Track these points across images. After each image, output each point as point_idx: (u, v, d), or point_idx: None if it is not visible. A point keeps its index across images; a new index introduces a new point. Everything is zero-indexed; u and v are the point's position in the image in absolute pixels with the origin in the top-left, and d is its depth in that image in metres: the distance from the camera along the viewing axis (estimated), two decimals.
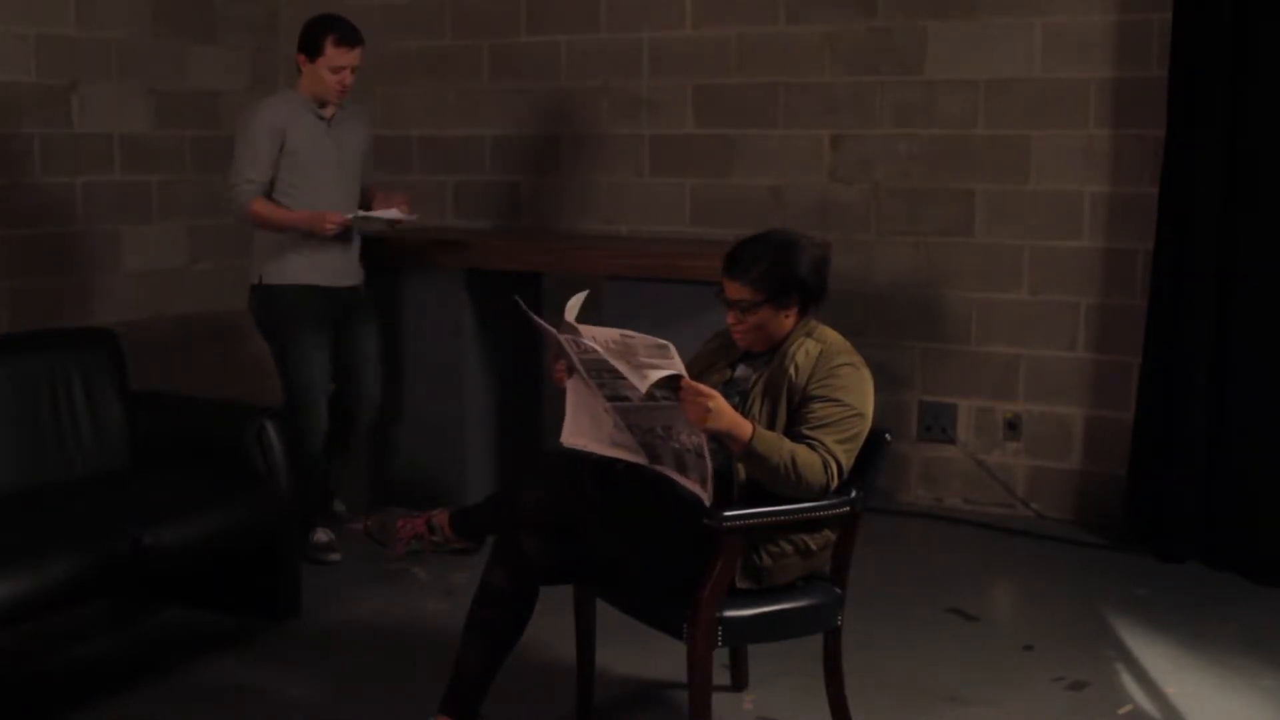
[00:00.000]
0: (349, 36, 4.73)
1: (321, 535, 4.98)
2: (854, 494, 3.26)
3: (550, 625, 3.68)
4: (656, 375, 2.97)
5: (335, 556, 4.91)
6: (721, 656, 3.68)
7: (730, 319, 3.37)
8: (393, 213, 4.83)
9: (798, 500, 3.18)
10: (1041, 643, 4.25)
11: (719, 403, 3.04)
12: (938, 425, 5.71)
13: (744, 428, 3.09)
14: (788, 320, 3.36)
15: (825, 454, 3.17)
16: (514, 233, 6.24)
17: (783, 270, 3.32)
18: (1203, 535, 5.04)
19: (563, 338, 3.12)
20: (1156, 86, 5.10)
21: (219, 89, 6.59)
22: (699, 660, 3.17)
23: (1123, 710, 3.77)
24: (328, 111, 4.82)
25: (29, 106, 5.71)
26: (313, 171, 4.77)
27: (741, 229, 3.85)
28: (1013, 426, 5.62)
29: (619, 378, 3.04)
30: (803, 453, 3.15)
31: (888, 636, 4.26)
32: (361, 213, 4.81)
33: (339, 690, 3.93)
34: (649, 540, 3.27)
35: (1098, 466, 5.48)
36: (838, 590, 3.38)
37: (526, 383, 5.57)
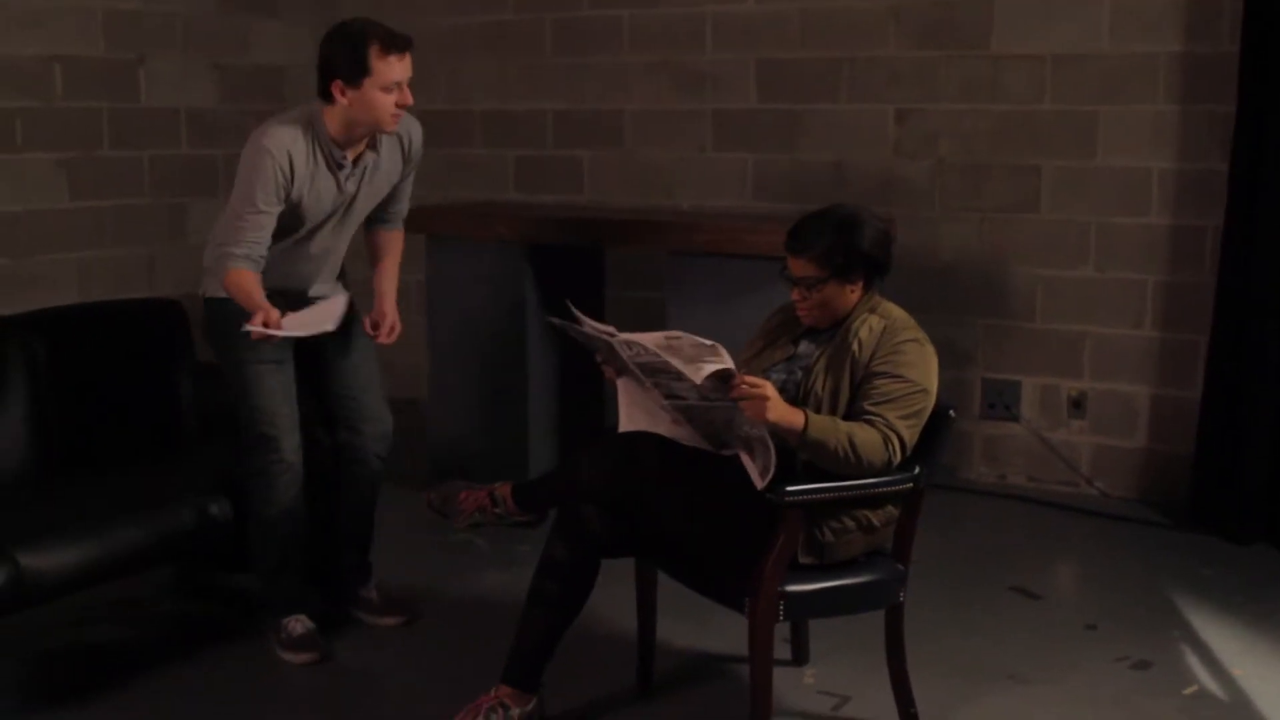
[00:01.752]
0: (396, 42, 3.64)
1: (296, 625, 3.94)
2: (917, 470, 3.25)
3: (611, 597, 3.69)
4: (710, 368, 2.97)
5: (301, 658, 3.88)
6: (782, 631, 3.68)
7: (795, 296, 3.36)
8: (326, 310, 3.84)
9: (861, 477, 3.17)
10: (1105, 622, 4.22)
11: (772, 391, 3.04)
12: (1001, 402, 5.67)
13: (796, 418, 3.09)
14: (852, 296, 3.34)
15: (886, 430, 3.16)
16: (576, 207, 6.24)
17: (847, 246, 3.30)
18: (1270, 516, 4.97)
19: (614, 341, 3.12)
20: (1228, 61, 5.02)
21: (282, 64, 6.63)
22: (760, 635, 3.17)
23: (1187, 691, 3.74)
24: (350, 154, 3.76)
25: (97, 80, 5.77)
26: (307, 217, 3.80)
27: (804, 204, 3.84)
28: (1077, 404, 5.57)
29: (674, 379, 3.03)
30: (860, 432, 3.13)
31: (949, 614, 4.25)
32: (287, 333, 3.65)
33: (402, 660, 3.96)
34: (711, 514, 3.27)
35: (1164, 445, 5.43)
36: (900, 566, 3.37)
37: (588, 356, 5.56)
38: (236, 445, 3.92)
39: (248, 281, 3.63)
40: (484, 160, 6.58)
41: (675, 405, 3.18)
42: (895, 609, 3.41)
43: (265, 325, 3.52)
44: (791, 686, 3.71)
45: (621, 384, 3.36)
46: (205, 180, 6.28)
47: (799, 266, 3.33)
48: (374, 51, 3.59)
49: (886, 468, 3.18)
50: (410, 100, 3.69)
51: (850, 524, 3.24)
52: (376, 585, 4.22)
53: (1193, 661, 3.93)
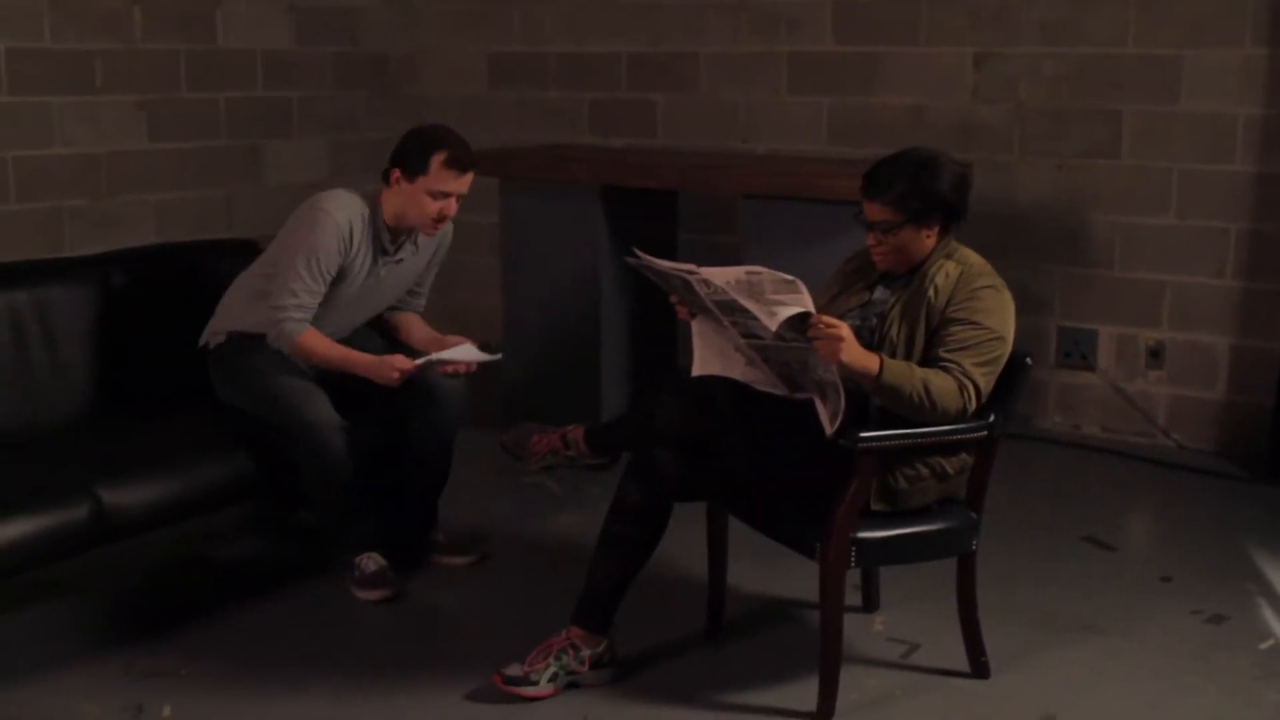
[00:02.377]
0: (462, 159, 3.81)
1: (368, 563, 3.96)
2: (992, 418, 3.22)
3: (682, 541, 3.70)
4: (786, 313, 2.95)
5: (375, 595, 3.90)
6: (853, 577, 3.67)
7: (871, 241, 3.33)
8: (467, 349, 3.91)
9: (935, 424, 3.15)
10: (1180, 574, 4.18)
11: (848, 333, 3.02)
12: (1077, 351, 5.61)
13: (871, 362, 3.07)
14: (928, 241, 3.31)
15: (962, 377, 3.13)
16: (650, 150, 6.21)
17: (923, 189, 3.26)
18: None
19: (693, 280, 3.10)
20: None
21: (357, 5, 6.64)
22: (831, 580, 3.17)
23: (1264, 645, 3.70)
24: (395, 243, 3.95)
25: (175, 22, 5.81)
26: (337, 293, 3.89)
27: (880, 149, 3.79)
28: (1155, 354, 5.50)
29: (751, 317, 3.02)
30: (936, 379, 3.11)
31: (1022, 563, 4.22)
32: (435, 356, 3.86)
33: (473, 600, 4.00)
34: (784, 459, 3.26)
35: (1243, 397, 5.35)
36: (973, 515, 3.35)
37: (662, 299, 5.55)
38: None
39: (323, 341, 3.83)
40: (558, 103, 6.56)
41: (752, 345, 3.17)
42: (967, 557, 3.40)
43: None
44: (861, 633, 3.71)
45: (696, 326, 3.35)
46: (280, 122, 6.32)
47: (875, 211, 3.29)
48: (438, 159, 3.79)
49: (961, 415, 3.15)
50: (452, 214, 3.87)
51: (924, 471, 3.23)
52: (441, 527, 4.24)
53: (1269, 616, 3.89)
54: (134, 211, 5.75)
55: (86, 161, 5.59)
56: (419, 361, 3.83)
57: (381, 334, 4.20)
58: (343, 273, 3.86)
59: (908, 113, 5.78)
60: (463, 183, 3.84)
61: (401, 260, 4.00)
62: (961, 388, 3.13)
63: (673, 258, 3.83)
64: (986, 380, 3.18)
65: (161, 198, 5.83)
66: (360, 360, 3.84)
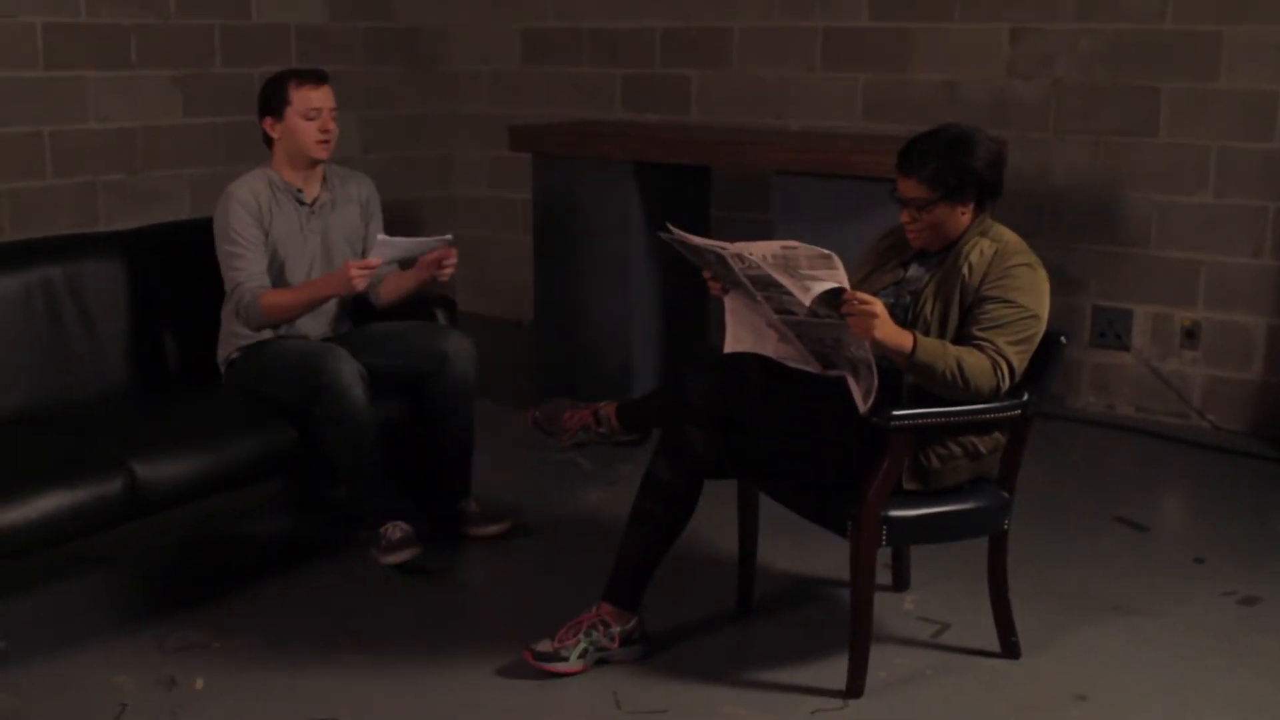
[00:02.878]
0: (311, 74, 4.11)
1: (394, 531, 3.92)
2: (1026, 397, 3.20)
3: (713, 519, 3.70)
4: (820, 288, 2.94)
5: (399, 557, 3.88)
6: (883, 556, 3.68)
7: (905, 218, 3.31)
8: (418, 240, 3.98)
9: (968, 403, 3.13)
10: (1213, 556, 4.15)
11: (881, 309, 3.01)
12: (1111, 331, 5.57)
13: (904, 339, 3.05)
14: (963, 218, 3.28)
15: (995, 355, 3.11)
16: (683, 126, 6.19)
17: (958, 166, 3.24)
18: None
19: (726, 254, 3.09)
20: None
21: None
22: (862, 559, 3.17)
23: None
24: (309, 194, 4.12)
25: None
26: (290, 270, 4.07)
27: (915, 125, 3.77)
28: (1190, 334, 5.45)
29: (785, 293, 3.01)
30: (970, 357, 3.09)
31: (1053, 543, 4.20)
32: (383, 236, 3.89)
33: (504, 576, 4.02)
34: (816, 437, 3.26)
35: (1279, 378, 5.31)
36: (1005, 494, 3.34)
37: (694, 275, 5.54)
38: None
39: (284, 293, 4.00)
40: (591, 79, 6.55)
41: (785, 320, 3.16)
42: (999, 537, 3.39)
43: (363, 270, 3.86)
44: (892, 612, 3.70)
45: (729, 302, 3.34)
46: None
47: (909, 187, 3.27)
48: (291, 85, 4.08)
49: (994, 394, 3.14)
50: (331, 126, 4.09)
51: (957, 450, 3.21)
52: (474, 497, 4.26)
53: None
54: (169, 186, 5.77)
55: (121, 136, 5.62)
56: (373, 256, 3.89)
57: (371, 312, 4.31)
58: (275, 243, 4.03)
59: (942, 89, 5.74)
60: (323, 94, 4.09)
61: (323, 205, 4.14)
62: (995, 366, 3.11)
63: (705, 235, 3.82)
64: (1020, 359, 3.16)
65: (196, 172, 5.85)
66: (322, 283, 4.00)
